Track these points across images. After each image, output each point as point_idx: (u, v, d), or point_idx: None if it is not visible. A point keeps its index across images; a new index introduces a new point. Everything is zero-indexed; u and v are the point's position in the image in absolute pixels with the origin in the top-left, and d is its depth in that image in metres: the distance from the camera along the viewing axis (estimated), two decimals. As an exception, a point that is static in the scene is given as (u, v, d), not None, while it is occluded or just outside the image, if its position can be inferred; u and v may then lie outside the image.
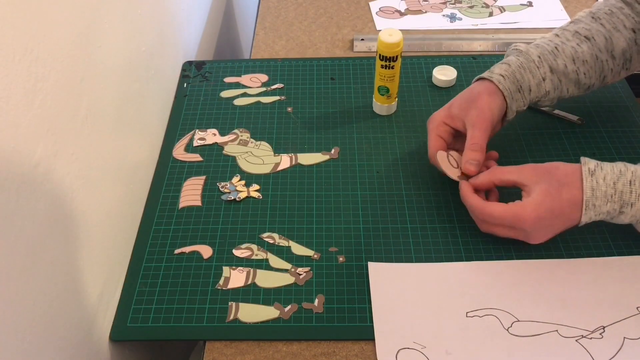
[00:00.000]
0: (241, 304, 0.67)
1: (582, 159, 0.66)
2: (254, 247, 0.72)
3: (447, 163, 0.74)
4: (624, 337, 0.62)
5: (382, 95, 0.86)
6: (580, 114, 0.87)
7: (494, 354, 0.61)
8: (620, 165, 0.65)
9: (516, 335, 0.63)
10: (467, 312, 0.65)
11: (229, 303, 0.67)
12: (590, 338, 0.62)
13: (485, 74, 0.76)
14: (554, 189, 0.64)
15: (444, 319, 0.64)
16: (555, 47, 0.77)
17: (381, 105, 0.88)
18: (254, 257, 0.71)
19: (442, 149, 0.75)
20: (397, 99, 0.88)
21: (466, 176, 0.72)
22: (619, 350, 0.61)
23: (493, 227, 0.69)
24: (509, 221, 0.66)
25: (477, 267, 0.69)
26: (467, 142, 0.73)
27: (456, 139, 0.77)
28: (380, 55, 0.82)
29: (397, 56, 0.81)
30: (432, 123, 0.76)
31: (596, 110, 0.88)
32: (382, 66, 0.83)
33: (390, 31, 0.81)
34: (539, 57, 0.76)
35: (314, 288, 0.68)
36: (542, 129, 0.86)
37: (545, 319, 0.64)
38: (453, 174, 0.73)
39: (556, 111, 0.87)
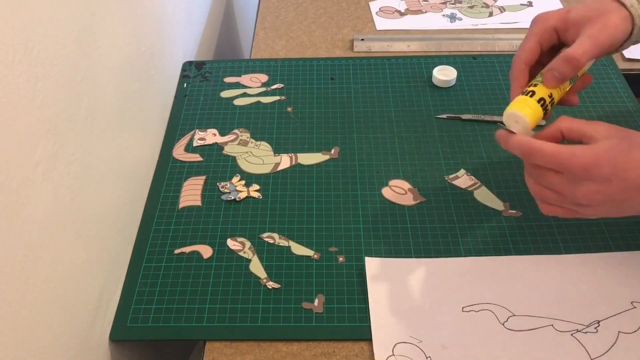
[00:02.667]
0: None
1: None
2: (247, 243, 0.72)
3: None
4: (619, 332, 0.62)
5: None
6: (580, 114, 0.88)
7: (490, 348, 0.61)
8: None
9: (512, 330, 0.63)
10: (463, 307, 0.65)
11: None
12: (585, 332, 0.62)
13: None
14: (625, 146, 0.55)
15: (440, 314, 0.64)
16: None
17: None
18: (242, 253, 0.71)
19: (531, 62, 0.63)
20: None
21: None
22: (614, 344, 0.61)
23: (541, 177, 0.58)
24: (560, 163, 0.55)
25: (473, 262, 0.69)
26: (568, 48, 0.60)
27: (550, 56, 0.64)
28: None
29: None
30: (539, 25, 0.64)
31: (596, 110, 0.88)
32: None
33: None
34: None
35: (314, 288, 0.68)
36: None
37: (541, 313, 0.64)
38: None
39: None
